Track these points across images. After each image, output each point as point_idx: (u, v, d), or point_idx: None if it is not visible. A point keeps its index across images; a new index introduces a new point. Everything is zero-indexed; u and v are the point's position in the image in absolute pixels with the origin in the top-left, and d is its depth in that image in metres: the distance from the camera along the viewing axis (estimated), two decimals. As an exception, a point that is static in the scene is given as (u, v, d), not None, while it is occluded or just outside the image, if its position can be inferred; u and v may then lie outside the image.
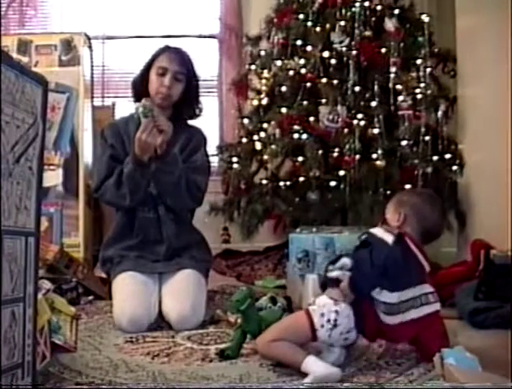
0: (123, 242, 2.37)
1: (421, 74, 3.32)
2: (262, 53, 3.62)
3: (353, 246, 1.81)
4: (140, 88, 2.41)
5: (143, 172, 2.25)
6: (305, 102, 3.30)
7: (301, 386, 1.54)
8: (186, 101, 2.43)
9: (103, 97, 4.34)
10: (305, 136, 3.20)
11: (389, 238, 1.68)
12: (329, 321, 1.63)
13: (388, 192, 3.07)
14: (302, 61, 3.35)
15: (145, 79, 2.40)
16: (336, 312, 1.64)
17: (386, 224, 1.80)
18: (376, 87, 3.26)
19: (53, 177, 3.36)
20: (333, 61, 3.31)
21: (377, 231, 1.74)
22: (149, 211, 2.36)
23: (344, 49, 3.32)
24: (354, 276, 1.66)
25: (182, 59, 2.41)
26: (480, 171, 3.20)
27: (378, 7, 3.44)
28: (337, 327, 1.63)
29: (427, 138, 3.21)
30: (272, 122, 3.34)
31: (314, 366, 1.56)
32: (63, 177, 3.40)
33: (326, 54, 3.32)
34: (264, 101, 3.56)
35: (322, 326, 1.63)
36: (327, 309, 1.65)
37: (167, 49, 2.42)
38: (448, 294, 2.49)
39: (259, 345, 1.71)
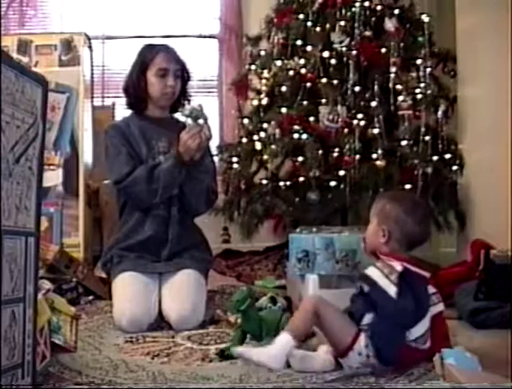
0: (130, 239, 2.37)
1: (421, 74, 3.32)
2: (262, 53, 3.62)
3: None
4: (138, 92, 2.40)
5: (181, 170, 2.27)
6: (305, 102, 3.30)
7: (301, 387, 1.54)
8: (181, 96, 2.44)
9: (103, 97, 4.33)
10: (305, 136, 3.20)
11: (391, 289, 1.60)
12: (368, 357, 1.60)
13: (388, 192, 3.07)
14: (302, 61, 3.35)
15: (142, 81, 2.39)
16: None
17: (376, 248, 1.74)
18: (376, 87, 3.26)
19: (53, 177, 3.36)
20: (333, 61, 3.31)
21: (376, 275, 1.65)
22: (163, 210, 2.36)
23: (344, 49, 3.31)
24: (377, 352, 1.60)
25: (176, 56, 2.43)
26: (480, 171, 3.20)
27: (378, 7, 3.43)
28: (370, 367, 1.61)
29: (427, 138, 3.20)
30: (272, 122, 3.34)
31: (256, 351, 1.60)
32: (63, 177, 3.39)
33: (326, 54, 3.32)
34: (264, 101, 3.55)
35: (360, 354, 1.60)
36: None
37: (161, 49, 2.41)
38: (448, 294, 2.49)
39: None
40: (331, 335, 1.63)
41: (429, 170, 3.15)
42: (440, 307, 1.73)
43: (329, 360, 1.65)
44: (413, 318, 1.62)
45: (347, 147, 3.12)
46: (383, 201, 1.78)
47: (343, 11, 3.38)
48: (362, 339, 1.60)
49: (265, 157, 3.42)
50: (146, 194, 2.29)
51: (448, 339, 1.76)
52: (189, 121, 2.23)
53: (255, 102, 3.62)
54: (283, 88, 3.38)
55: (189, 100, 2.48)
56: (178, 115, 2.50)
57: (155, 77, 2.37)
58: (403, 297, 1.60)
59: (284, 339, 1.59)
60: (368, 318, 1.63)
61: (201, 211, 2.46)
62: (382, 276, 1.63)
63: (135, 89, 2.41)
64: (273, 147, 3.29)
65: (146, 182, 2.28)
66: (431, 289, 1.73)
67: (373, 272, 1.67)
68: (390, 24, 3.36)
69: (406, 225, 1.70)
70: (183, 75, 2.43)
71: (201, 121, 2.24)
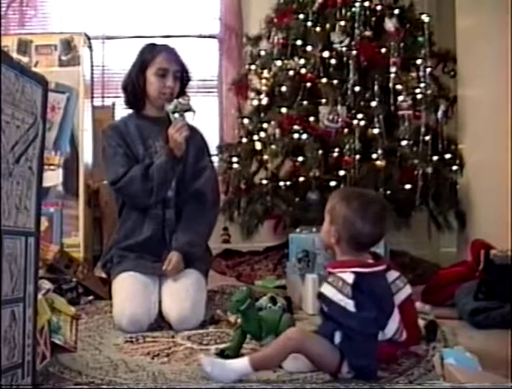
0: (129, 239, 2.37)
1: (421, 74, 3.32)
2: (262, 53, 3.63)
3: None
4: (136, 90, 2.40)
5: (174, 166, 2.28)
6: (305, 102, 3.30)
7: (301, 387, 1.54)
8: (179, 97, 2.44)
9: (103, 97, 4.34)
10: (305, 136, 3.20)
11: (348, 304, 1.55)
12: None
13: (388, 192, 3.07)
14: (302, 61, 3.35)
15: (141, 80, 2.39)
16: None
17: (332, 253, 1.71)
18: (376, 87, 3.26)
19: (53, 177, 3.36)
20: (333, 61, 3.32)
21: (331, 293, 1.58)
22: (161, 210, 2.36)
23: (344, 49, 3.32)
24: (355, 371, 1.57)
25: (177, 57, 2.44)
26: (480, 171, 3.20)
27: (378, 7, 3.44)
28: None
29: (427, 138, 3.21)
30: (272, 122, 3.34)
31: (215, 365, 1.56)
32: (63, 177, 3.40)
33: (326, 54, 3.32)
34: (264, 101, 3.56)
35: (349, 372, 1.57)
36: None
37: (162, 49, 2.42)
38: (448, 294, 2.50)
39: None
40: (318, 362, 1.60)
41: (429, 170, 3.15)
42: (407, 291, 1.67)
43: None
44: (381, 321, 1.59)
45: (347, 147, 3.13)
46: (335, 199, 1.69)
47: (343, 11, 3.38)
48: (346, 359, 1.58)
49: (265, 157, 3.43)
50: (142, 194, 2.30)
51: (417, 325, 1.75)
52: (176, 115, 2.25)
53: (255, 102, 3.62)
54: (283, 88, 3.39)
55: None
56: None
57: (155, 76, 2.37)
58: (363, 308, 1.55)
59: (244, 365, 1.55)
60: (338, 337, 1.58)
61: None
62: (337, 292, 1.56)
63: (134, 87, 2.41)
64: (273, 147, 3.29)
65: (141, 182, 2.28)
66: (393, 274, 1.67)
67: (327, 290, 1.60)
68: (390, 24, 3.37)
69: (354, 227, 1.61)
70: (183, 77, 2.44)
71: (189, 113, 2.25)
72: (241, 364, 1.55)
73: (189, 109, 2.28)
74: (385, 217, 1.68)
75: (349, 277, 1.57)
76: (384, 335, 1.60)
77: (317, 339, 1.59)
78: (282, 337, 1.60)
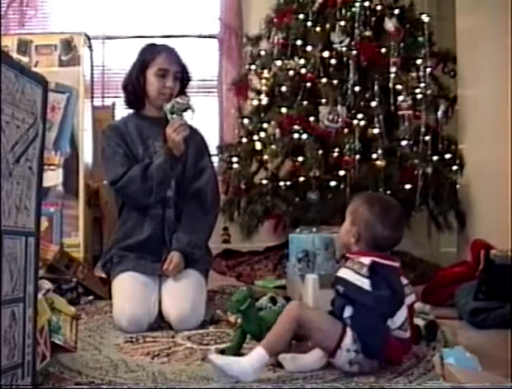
0: (129, 239, 2.37)
1: (421, 74, 3.32)
2: (262, 53, 3.63)
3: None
4: (136, 90, 2.40)
5: (173, 165, 2.28)
6: (305, 102, 3.30)
7: (301, 387, 1.54)
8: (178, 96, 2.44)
9: (103, 97, 4.34)
10: (305, 136, 3.20)
11: (364, 283, 1.61)
12: (357, 353, 1.59)
13: (388, 192, 3.07)
14: (302, 61, 3.35)
15: (141, 80, 2.39)
16: None
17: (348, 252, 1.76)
18: (376, 87, 3.26)
19: (53, 177, 3.36)
20: (333, 61, 3.32)
21: (348, 274, 1.65)
22: (161, 209, 2.36)
23: (344, 49, 3.32)
24: (363, 346, 1.59)
25: (178, 58, 2.44)
26: (480, 171, 3.20)
27: (378, 7, 3.44)
28: (359, 365, 1.60)
29: (427, 138, 3.21)
30: (272, 122, 3.34)
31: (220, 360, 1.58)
32: (63, 177, 3.40)
33: (326, 54, 3.32)
34: (264, 101, 3.56)
35: (348, 350, 1.59)
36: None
37: (163, 49, 2.42)
38: (448, 294, 2.50)
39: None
40: (319, 335, 1.62)
41: (429, 170, 3.15)
42: (412, 298, 1.74)
43: (320, 356, 1.65)
44: (392, 307, 1.64)
45: (347, 147, 3.12)
46: (358, 202, 1.78)
47: (343, 11, 3.38)
48: (349, 335, 1.60)
49: (265, 157, 3.43)
50: (141, 194, 2.30)
51: (416, 331, 1.80)
52: (174, 115, 2.25)
53: (255, 102, 3.62)
54: (283, 88, 3.39)
55: None
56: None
57: (155, 76, 2.37)
58: (378, 288, 1.61)
59: (260, 355, 1.57)
60: (348, 311, 1.63)
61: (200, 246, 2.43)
62: (354, 273, 1.64)
63: (134, 87, 2.41)
64: (273, 147, 3.29)
65: (141, 181, 2.28)
66: (403, 280, 1.73)
67: (344, 273, 1.67)
68: (390, 24, 3.36)
69: (374, 229, 1.71)
70: (183, 77, 2.44)
71: (187, 113, 2.25)
72: (257, 354, 1.57)
73: (188, 108, 2.28)
74: (403, 223, 1.81)
75: (366, 260, 1.65)
76: (394, 322, 1.64)
77: (318, 311, 1.68)
78: (283, 313, 1.66)
